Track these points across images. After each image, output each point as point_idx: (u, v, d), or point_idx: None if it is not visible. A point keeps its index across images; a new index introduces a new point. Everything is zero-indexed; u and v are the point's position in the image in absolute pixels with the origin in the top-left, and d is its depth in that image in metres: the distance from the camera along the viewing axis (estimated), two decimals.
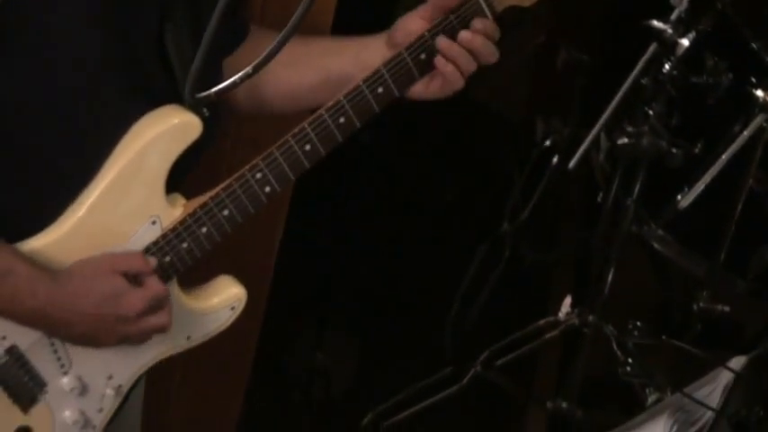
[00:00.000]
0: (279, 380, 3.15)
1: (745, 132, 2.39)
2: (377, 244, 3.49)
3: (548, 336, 2.75)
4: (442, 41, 1.60)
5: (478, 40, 1.61)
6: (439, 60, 1.61)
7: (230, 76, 1.42)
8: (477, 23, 1.61)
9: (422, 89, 1.66)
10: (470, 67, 1.63)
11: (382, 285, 3.44)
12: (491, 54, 1.63)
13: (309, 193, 2.47)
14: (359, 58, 1.66)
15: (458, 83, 1.64)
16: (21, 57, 1.43)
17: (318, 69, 1.71)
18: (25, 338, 1.54)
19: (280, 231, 2.44)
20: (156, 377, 1.75)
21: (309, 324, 3.25)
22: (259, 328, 2.52)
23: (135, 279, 1.54)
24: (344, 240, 3.40)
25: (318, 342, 3.17)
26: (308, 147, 1.57)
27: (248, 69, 1.39)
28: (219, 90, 1.42)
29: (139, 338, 1.58)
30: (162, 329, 1.59)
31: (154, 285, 1.56)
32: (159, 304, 1.56)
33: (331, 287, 3.35)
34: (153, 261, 1.57)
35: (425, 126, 3.55)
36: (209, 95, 1.43)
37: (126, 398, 1.67)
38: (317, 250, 3.31)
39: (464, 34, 1.61)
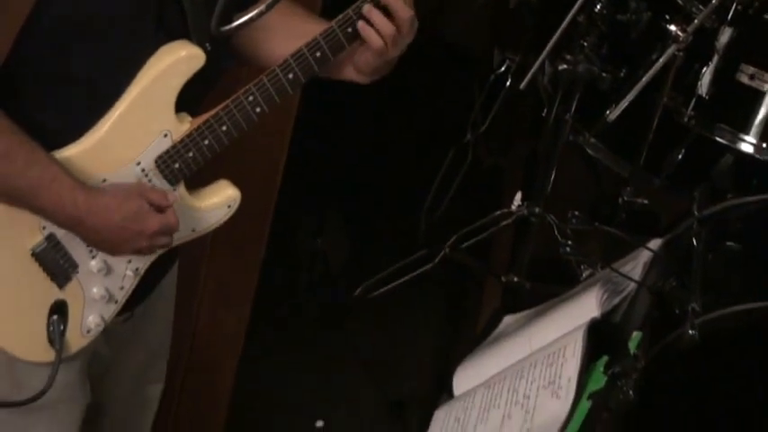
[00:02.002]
0: (288, 261, 3.32)
1: (661, 60, 2.56)
2: (367, 152, 3.60)
3: (502, 224, 2.91)
4: (365, 6, 1.64)
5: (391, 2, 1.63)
6: (360, 25, 1.65)
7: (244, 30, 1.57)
8: None
9: (353, 71, 1.72)
10: (387, 28, 1.63)
11: (371, 184, 3.59)
12: (401, 8, 1.62)
13: (312, 112, 2.65)
14: None
15: (383, 50, 1.65)
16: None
17: (304, 35, 1.71)
18: (61, 228, 1.64)
19: (287, 141, 2.56)
20: (187, 258, 1.89)
21: (311, 215, 3.42)
22: (270, 219, 2.64)
23: (157, 209, 1.65)
24: (341, 149, 3.52)
25: (319, 230, 3.37)
26: (290, 75, 1.65)
27: (262, 8, 1.53)
28: (239, 24, 1.56)
29: (148, 252, 1.69)
30: (165, 247, 1.71)
31: (170, 215, 1.65)
32: (169, 231, 1.67)
33: (329, 186, 3.51)
34: (173, 196, 1.66)
35: (409, 62, 3.64)
36: (230, 29, 1.56)
37: (143, 278, 1.75)
38: (318, 155, 3.39)
39: None
